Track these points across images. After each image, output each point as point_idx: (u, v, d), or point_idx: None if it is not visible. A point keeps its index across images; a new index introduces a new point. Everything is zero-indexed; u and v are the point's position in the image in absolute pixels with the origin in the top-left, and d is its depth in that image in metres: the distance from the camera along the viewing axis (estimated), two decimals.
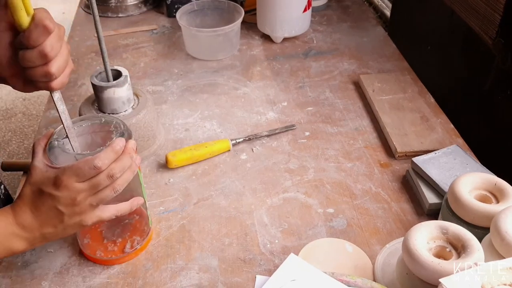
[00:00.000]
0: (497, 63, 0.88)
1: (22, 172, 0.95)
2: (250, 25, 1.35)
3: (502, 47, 0.86)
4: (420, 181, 0.83)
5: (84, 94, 1.11)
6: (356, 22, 1.39)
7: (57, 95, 0.62)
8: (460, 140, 0.94)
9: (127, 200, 0.68)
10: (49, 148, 0.63)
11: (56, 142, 0.63)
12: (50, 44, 0.56)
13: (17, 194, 0.86)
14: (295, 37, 1.30)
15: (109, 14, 1.43)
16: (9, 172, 1.97)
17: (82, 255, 0.75)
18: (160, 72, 1.19)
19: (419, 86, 1.09)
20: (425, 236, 0.60)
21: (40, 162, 0.61)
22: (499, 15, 0.85)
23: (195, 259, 0.74)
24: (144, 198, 0.72)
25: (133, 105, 0.91)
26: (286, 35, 1.27)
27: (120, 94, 0.86)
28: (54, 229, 0.62)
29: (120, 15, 1.44)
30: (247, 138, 0.96)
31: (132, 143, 0.64)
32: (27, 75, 0.58)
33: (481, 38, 0.91)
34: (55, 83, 0.60)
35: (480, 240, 0.60)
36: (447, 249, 0.60)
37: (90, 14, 0.86)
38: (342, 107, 1.06)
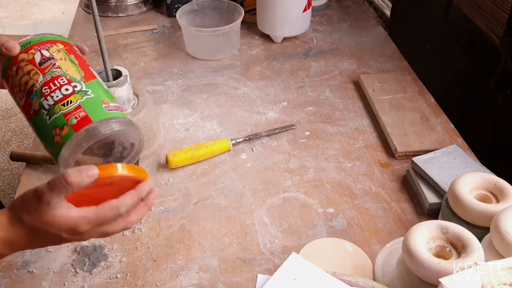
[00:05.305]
0: (504, 62, 0.88)
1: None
2: (250, 25, 1.35)
3: (510, 46, 0.86)
4: (420, 181, 0.83)
5: None
6: (356, 22, 1.39)
7: None
8: (460, 140, 0.94)
9: None
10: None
11: None
12: None
13: (21, 183, 0.86)
14: (295, 37, 1.30)
15: (109, 14, 1.43)
16: (8, 173, 1.97)
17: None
18: (160, 72, 1.19)
19: (419, 86, 1.09)
20: (425, 236, 0.60)
21: (65, 208, 0.52)
22: (507, 14, 0.85)
23: (195, 259, 0.74)
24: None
25: (133, 105, 0.91)
26: (286, 35, 1.27)
27: (120, 94, 0.86)
28: (45, 245, 0.56)
29: (120, 14, 1.44)
30: (247, 138, 0.96)
31: (155, 191, 0.58)
32: None
33: (488, 37, 0.91)
34: None
35: (480, 239, 0.60)
36: (447, 249, 0.60)
37: (90, 14, 0.86)
38: (342, 107, 1.06)
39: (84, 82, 0.59)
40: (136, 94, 0.93)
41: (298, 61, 1.22)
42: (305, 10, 1.23)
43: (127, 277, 0.72)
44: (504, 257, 0.58)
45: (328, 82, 1.14)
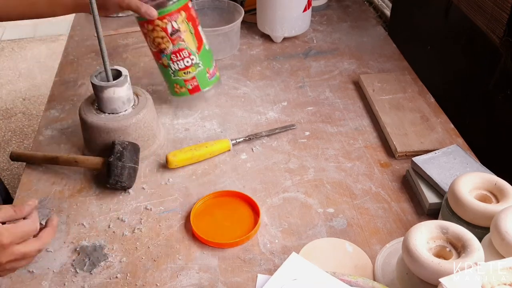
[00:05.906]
0: (504, 62, 0.88)
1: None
2: (250, 25, 1.35)
3: (510, 46, 0.86)
4: (420, 181, 0.83)
5: (84, 94, 1.11)
6: (356, 22, 1.39)
7: None
8: (460, 140, 0.94)
9: None
10: None
11: None
12: None
13: (21, 183, 0.86)
14: (295, 37, 1.30)
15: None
16: (8, 173, 1.97)
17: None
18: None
19: (419, 86, 1.09)
20: (425, 236, 0.60)
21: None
22: (507, 14, 0.85)
23: (195, 259, 0.74)
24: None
25: (133, 104, 0.91)
26: (286, 35, 1.27)
27: (120, 93, 0.86)
28: None
29: (120, 14, 1.43)
30: (247, 138, 0.96)
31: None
32: None
33: (488, 37, 0.91)
34: None
35: (480, 240, 0.60)
36: (447, 249, 0.60)
37: (90, 14, 0.86)
38: (342, 107, 1.06)
39: (197, 53, 0.93)
40: (136, 94, 0.93)
41: (298, 61, 1.22)
42: (305, 10, 1.23)
43: (127, 277, 0.72)
44: (504, 257, 0.58)
45: (328, 82, 1.14)
